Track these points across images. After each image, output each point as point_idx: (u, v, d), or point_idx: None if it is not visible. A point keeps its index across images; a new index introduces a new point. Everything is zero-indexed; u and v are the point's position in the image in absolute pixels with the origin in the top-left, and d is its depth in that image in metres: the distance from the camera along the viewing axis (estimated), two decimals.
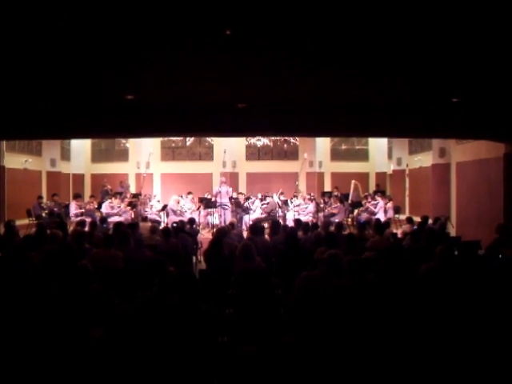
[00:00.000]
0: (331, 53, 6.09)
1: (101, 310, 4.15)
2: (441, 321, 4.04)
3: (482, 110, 9.70)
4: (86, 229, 8.74)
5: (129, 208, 14.27)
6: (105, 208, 13.68)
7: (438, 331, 3.88)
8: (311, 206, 14.78)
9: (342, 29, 5.18)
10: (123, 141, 20.16)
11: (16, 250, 6.15)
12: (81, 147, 19.47)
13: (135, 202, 14.82)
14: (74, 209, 13.59)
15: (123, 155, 20.39)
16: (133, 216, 14.12)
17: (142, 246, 6.95)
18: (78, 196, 14.44)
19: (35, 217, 13.14)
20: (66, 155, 18.38)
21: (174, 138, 20.00)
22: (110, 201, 14.02)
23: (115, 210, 13.67)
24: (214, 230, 12.45)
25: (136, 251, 6.68)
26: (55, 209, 13.29)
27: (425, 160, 15.40)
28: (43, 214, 13.09)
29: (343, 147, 20.56)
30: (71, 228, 10.52)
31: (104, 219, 11.17)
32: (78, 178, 19.25)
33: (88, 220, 10.44)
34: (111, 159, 20.32)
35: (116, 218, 12.64)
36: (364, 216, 14.08)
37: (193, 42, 5.56)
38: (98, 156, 20.43)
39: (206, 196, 15.81)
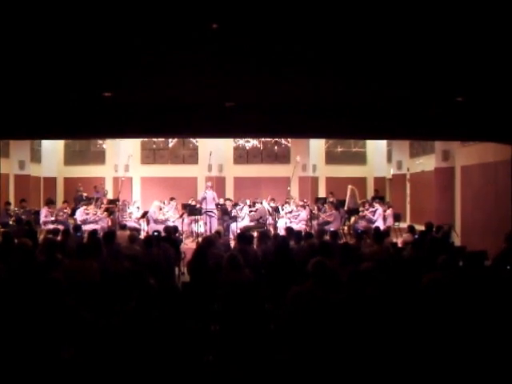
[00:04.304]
0: (326, 49, 6.12)
1: (73, 329, 4.11)
2: (445, 337, 4.05)
3: (489, 110, 9.77)
4: (59, 238, 8.67)
5: (105, 215, 14.20)
6: (79, 215, 13.62)
7: (441, 347, 3.90)
8: (304, 213, 14.79)
9: (338, 24, 5.21)
10: (100, 141, 20.08)
11: None
12: (53, 148, 19.36)
13: (113, 208, 14.75)
14: (44, 216, 13.47)
15: (99, 157, 20.29)
16: (110, 224, 14.06)
17: (119, 257, 6.91)
18: (50, 202, 14.29)
19: (1, 225, 12.98)
20: (36, 157, 18.27)
21: (156, 139, 19.95)
22: (84, 207, 13.94)
23: (91, 217, 13.59)
24: (199, 239, 12.42)
25: (113, 262, 6.64)
26: (24, 216, 13.17)
27: (427, 164, 15.52)
28: (10, 222, 12.96)
29: (339, 150, 20.65)
30: (42, 237, 10.42)
31: (78, 227, 11.09)
32: (50, 182, 19.13)
33: (61, 228, 10.36)
34: (86, 161, 20.21)
35: (91, 226, 12.57)
36: (361, 224, 14.14)
37: (177, 35, 5.56)
38: (71, 158, 20.31)
39: (190, 202, 15.78)
